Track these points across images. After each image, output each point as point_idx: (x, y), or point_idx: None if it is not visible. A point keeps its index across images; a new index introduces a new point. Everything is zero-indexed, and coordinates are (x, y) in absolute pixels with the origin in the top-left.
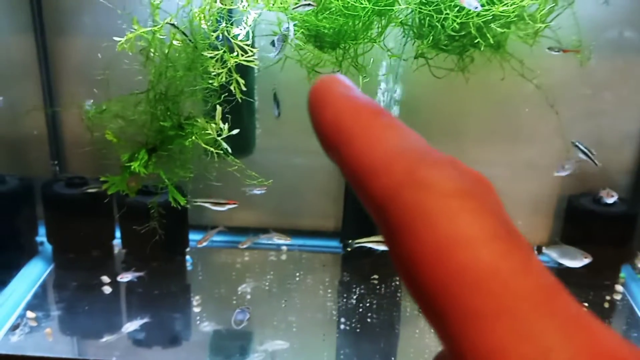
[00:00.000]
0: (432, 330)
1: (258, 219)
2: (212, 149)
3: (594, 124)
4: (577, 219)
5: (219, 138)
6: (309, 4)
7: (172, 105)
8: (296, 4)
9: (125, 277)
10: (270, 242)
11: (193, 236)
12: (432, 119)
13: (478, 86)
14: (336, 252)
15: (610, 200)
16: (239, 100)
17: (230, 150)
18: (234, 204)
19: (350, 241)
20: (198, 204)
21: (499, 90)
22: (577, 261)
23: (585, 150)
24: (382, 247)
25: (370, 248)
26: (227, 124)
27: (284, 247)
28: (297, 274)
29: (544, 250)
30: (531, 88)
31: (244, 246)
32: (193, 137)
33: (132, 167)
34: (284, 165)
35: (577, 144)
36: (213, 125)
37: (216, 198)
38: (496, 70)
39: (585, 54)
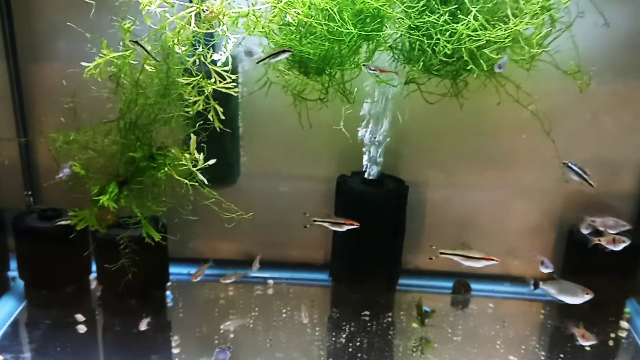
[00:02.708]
0: None
1: (244, 250)
2: (186, 181)
3: (593, 150)
4: (579, 249)
5: (194, 169)
6: (284, 51)
7: (143, 134)
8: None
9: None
10: (256, 275)
11: (174, 269)
12: (425, 147)
13: (472, 112)
14: (326, 286)
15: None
16: (220, 128)
17: (207, 181)
18: (353, 225)
19: (434, 247)
20: (318, 222)
21: (494, 117)
22: (577, 298)
23: (578, 171)
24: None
25: (360, 279)
26: (202, 153)
27: (271, 281)
28: (284, 310)
29: (542, 285)
30: (527, 113)
31: (227, 281)
32: (166, 169)
33: (102, 201)
34: (271, 193)
35: (569, 164)
36: (187, 155)
37: (335, 218)
38: (491, 96)
39: (584, 79)
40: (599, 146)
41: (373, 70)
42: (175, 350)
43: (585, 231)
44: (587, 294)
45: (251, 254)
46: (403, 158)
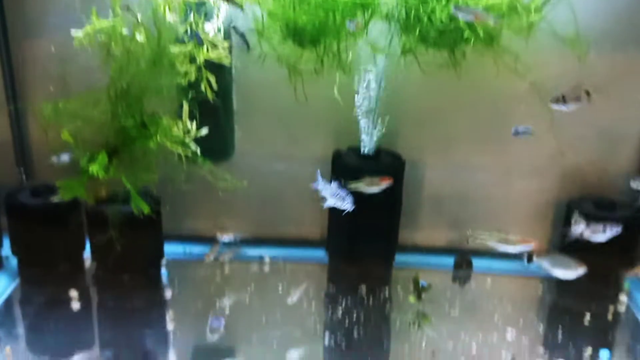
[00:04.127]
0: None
1: (240, 228)
2: (179, 149)
3: (593, 123)
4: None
5: (186, 139)
6: None
7: (134, 102)
8: None
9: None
10: (252, 252)
11: (170, 248)
12: (423, 123)
13: (469, 85)
14: (322, 262)
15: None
16: (214, 100)
17: (201, 152)
18: (389, 181)
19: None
20: (352, 186)
21: (491, 89)
22: (570, 271)
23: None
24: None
25: (356, 255)
26: (194, 121)
27: (267, 258)
28: (280, 286)
29: (535, 259)
30: (525, 86)
31: (210, 257)
32: (157, 138)
33: (91, 170)
34: (267, 172)
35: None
36: (180, 124)
37: (370, 179)
38: (489, 68)
39: (583, 49)
40: (597, 120)
41: (464, 13)
42: (170, 327)
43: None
44: (580, 267)
45: (248, 232)
46: (400, 135)
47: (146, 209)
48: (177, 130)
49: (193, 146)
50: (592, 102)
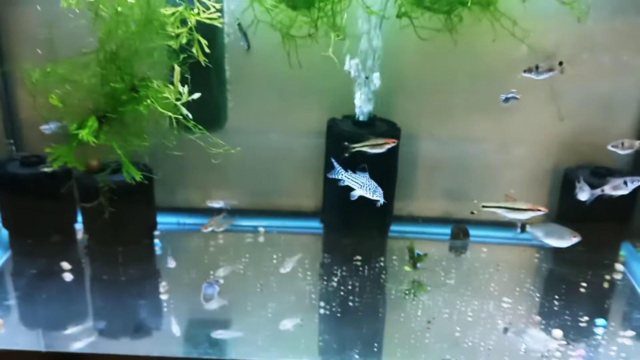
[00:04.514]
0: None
1: (235, 199)
2: (170, 114)
3: (591, 89)
4: (574, 194)
5: (177, 102)
6: None
7: (124, 66)
8: None
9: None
10: (247, 224)
11: (163, 219)
12: (419, 92)
13: (466, 52)
14: (317, 233)
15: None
16: (206, 65)
17: (191, 117)
18: (393, 142)
19: (475, 201)
20: (356, 149)
21: (488, 56)
22: (564, 241)
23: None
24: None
25: (351, 225)
26: (186, 86)
27: (262, 229)
28: (275, 257)
29: (528, 229)
30: (523, 52)
31: (220, 229)
32: (148, 102)
33: (80, 136)
34: (261, 143)
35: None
36: (171, 88)
37: (374, 139)
38: (486, 34)
39: (582, 9)
40: (596, 85)
41: None
42: (163, 297)
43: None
44: (574, 236)
45: (242, 204)
46: (396, 105)
47: (138, 176)
48: (169, 94)
49: (184, 110)
50: (564, 73)
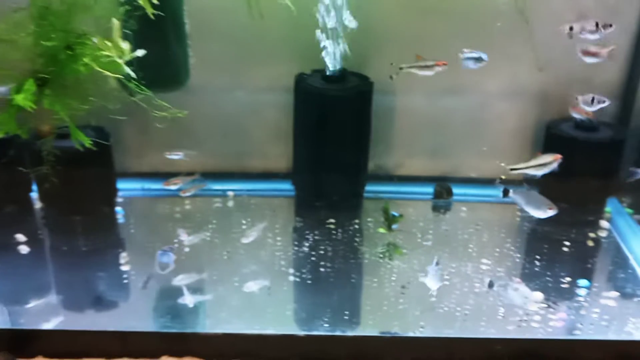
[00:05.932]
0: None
1: (202, 162)
2: (110, 73)
3: (574, 44)
4: (557, 147)
5: (119, 60)
6: None
7: (57, 21)
8: None
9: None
10: (216, 187)
11: (125, 185)
12: (394, 45)
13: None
14: (289, 196)
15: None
16: (159, 19)
17: (151, 83)
18: (443, 64)
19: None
20: (405, 70)
21: (467, 4)
22: (540, 212)
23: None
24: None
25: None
26: (134, 42)
27: (231, 193)
28: (244, 222)
29: (511, 194)
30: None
31: (187, 194)
32: (86, 60)
33: (16, 101)
34: (226, 97)
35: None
36: (110, 44)
37: (424, 61)
38: None
39: None
40: (579, 40)
41: None
42: (124, 268)
43: None
44: (550, 209)
45: (210, 167)
46: (368, 57)
47: (87, 142)
48: (109, 51)
49: (127, 69)
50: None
